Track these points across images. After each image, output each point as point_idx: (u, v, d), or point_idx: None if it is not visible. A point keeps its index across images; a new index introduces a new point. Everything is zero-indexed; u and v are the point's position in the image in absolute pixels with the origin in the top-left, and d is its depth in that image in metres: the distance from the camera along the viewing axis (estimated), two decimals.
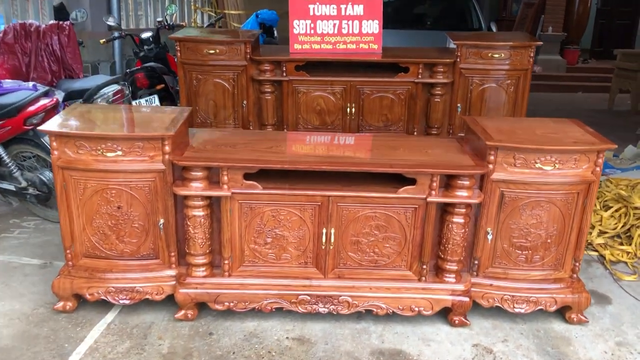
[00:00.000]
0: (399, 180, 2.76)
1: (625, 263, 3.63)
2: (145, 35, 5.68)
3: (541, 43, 4.15)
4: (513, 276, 2.94)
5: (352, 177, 2.81)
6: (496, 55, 4.12)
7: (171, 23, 5.76)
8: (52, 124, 2.72)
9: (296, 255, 2.86)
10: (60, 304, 2.92)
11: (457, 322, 2.92)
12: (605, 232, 3.85)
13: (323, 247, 2.83)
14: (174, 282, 2.90)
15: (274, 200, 2.76)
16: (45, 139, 3.55)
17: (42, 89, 3.63)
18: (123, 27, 6.87)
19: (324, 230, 2.79)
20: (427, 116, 4.29)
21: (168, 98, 5.17)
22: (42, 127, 2.68)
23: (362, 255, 2.86)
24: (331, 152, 2.90)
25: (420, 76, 4.14)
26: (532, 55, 4.13)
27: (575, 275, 2.97)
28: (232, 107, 4.31)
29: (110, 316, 2.94)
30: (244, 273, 2.89)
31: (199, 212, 2.75)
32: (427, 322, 2.96)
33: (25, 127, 3.51)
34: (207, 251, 2.84)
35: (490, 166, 2.74)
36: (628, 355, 2.78)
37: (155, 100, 4.72)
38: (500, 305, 2.93)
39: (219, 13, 8.18)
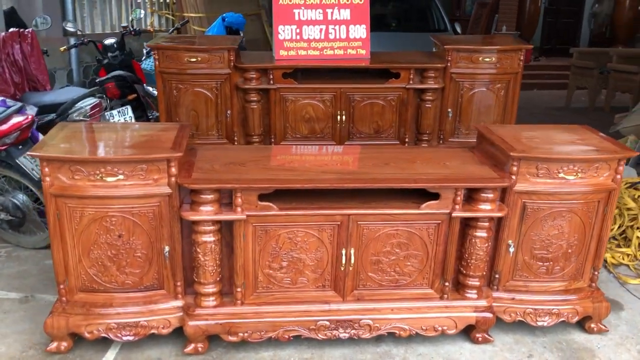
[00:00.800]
0: (418, 194, 2.64)
1: (627, 266, 3.63)
2: (109, 41, 5.36)
3: (532, 46, 4.11)
4: (534, 288, 2.86)
5: (370, 193, 2.67)
6: (487, 60, 4.05)
7: (137, 28, 5.45)
8: (42, 148, 2.45)
9: (313, 278, 2.69)
10: (54, 345, 2.64)
11: (480, 339, 2.82)
12: None
13: (342, 269, 2.67)
14: (181, 314, 2.67)
15: (291, 222, 2.57)
16: (21, 160, 3.24)
17: (13, 104, 3.31)
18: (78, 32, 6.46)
19: (344, 251, 2.63)
20: (417, 122, 4.18)
21: (139, 108, 4.88)
22: (31, 152, 2.40)
23: (383, 275, 2.72)
24: (348, 168, 2.74)
25: (411, 82, 4.03)
26: (522, 58, 4.09)
27: (594, 285, 2.93)
28: (215, 117, 4.08)
29: (110, 355, 2.68)
30: (258, 300, 2.69)
31: (210, 238, 2.53)
32: (448, 341, 2.85)
33: None
34: (218, 279, 2.63)
35: (513, 177, 2.64)
36: None
37: (129, 111, 4.44)
38: (523, 319, 2.85)
39: (177, 16, 7.85)
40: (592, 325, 2.93)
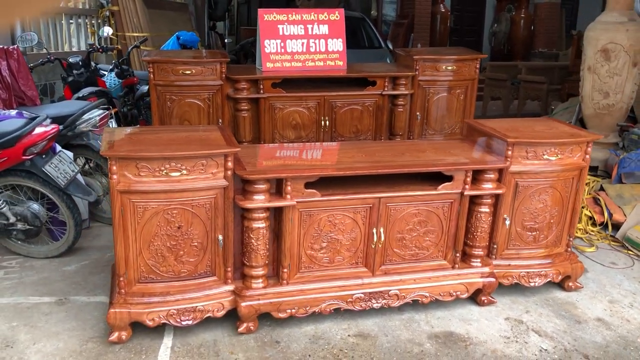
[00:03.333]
0: (430, 178, 3.08)
1: (581, 238, 4.27)
2: (74, 59, 5.42)
3: (486, 55, 4.73)
4: (524, 255, 3.38)
5: (392, 179, 3.07)
6: (449, 68, 4.62)
7: (104, 46, 5.55)
8: (110, 148, 2.64)
9: (348, 256, 3.04)
10: (115, 335, 2.79)
11: (485, 301, 3.28)
12: None
13: (373, 246, 3.04)
14: (232, 297, 2.92)
15: (331, 206, 2.92)
16: (47, 169, 3.33)
17: (29, 116, 3.40)
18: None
19: (375, 230, 3.01)
20: (390, 125, 4.65)
21: (117, 122, 5.00)
22: (103, 152, 2.59)
23: (406, 250, 3.12)
24: (374, 157, 3.10)
25: (386, 89, 4.50)
26: (477, 66, 4.70)
27: (569, 249, 3.49)
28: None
29: (167, 340, 2.88)
30: (301, 279, 3.00)
31: (262, 224, 2.82)
32: (459, 305, 3.29)
33: (24, 157, 3.26)
34: (266, 262, 2.92)
35: (509, 160, 3.15)
36: (621, 309, 3.34)
37: (113, 124, 4.56)
38: (519, 282, 3.35)
39: (118, 35, 7.91)
40: (570, 284, 3.48)
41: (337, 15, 4.58)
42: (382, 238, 3.04)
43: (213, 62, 4.22)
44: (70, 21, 7.61)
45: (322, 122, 4.45)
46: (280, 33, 4.46)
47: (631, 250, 4.07)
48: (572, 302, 3.40)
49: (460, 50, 4.93)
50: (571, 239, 3.47)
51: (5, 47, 4.20)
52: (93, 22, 7.85)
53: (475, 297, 3.30)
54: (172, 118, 4.28)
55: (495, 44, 14.14)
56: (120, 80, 5.82)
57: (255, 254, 2.86)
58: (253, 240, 2.83)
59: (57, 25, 7.26)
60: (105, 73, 5.85)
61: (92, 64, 5.62)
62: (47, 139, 3.28)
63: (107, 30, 5.77)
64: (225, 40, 12.26)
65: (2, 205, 3.38)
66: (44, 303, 3.19)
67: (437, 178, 3.06)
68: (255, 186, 2.76)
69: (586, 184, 4.80)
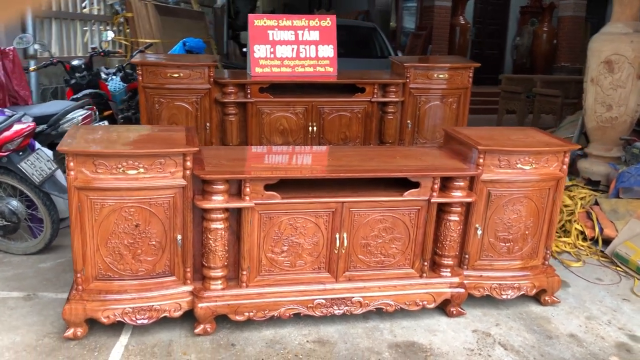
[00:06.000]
0: (399, 185, 3.02)
1: (569, 253, 4.15)
2: (77, 62, 5.54)
3: (479, 64, 4.66)
4: (497, 267, 3.29)
5: (358, 184, 3.03)
6: (441, 76, 4.56)
7: (106, 50, 5.65)
8: (66, 145, 2.67)
9: (310, 261, 3.01)
10: (70, 331, 2.80)
11: (454, 312, 3.20)
12: None
13: (336, 252, 3.00)
14: (190, 298, 2.91)
15: (292, 209, 2.89)
16: (22, 165, 3.39)
17: (11, 113, 3.47)
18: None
19: (337, 235, 2.97)
20: (380, 132, 4.61)
21: (113, 124, 5.07)
22: (60, 147, 2.62)
23: (371, 257, 3.07)
24: (339, 162, 3.08)
25: (375, 96, 4.46)
26: (471, 75, 4.63)
27: (546, 262, 3.39)
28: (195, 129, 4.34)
29: (123, 338, 2.88)
30: (261, 282, 2.97)
31: (220, 225, 2.81)
32: (426, 315, 3.22)
33: (1, 153, 3.33)
34: (225, 264, 2.90)
35: (480, 168, 3.08)
36: (598, 327, 3.21)
37: None
38: (490, 294, 3.26)
39: (132, 41, 8.05)
40: (547, 298, 3.38)
41: (328, 21, 4.57)
42: (345, 244, 2.99)
43: (201, 66, 4.25)
44: (85, 28, 7.78)
45: (310, 128, 4.43)
46: (270, 38, 4.47)
47: (619, 267, 3.93)
48: (547, 316, 3.29)
49: (454, 58, 4.87)
50: (548, 251, 3.36)
51: (1, 47, 4.30)
52: (107, 28, 8.00)
53: (445, 308, 3.23)
54: (160, 120, 4.31)
55: (517, 57, 13.97)
56: (125, 84, 5.92)
57: (213, 255, 2.84)
58: (211, 241, 2.82)
59: (72, 31, 7.43)
60: (108, 76, 5.95)
61: (97, 68, 5.73)
62: (23, 136, 3.34)
63: (110, 35, 5.88)
64: (244, 50, 12.39)
65: None
66: (12, 298, 3.23)
67: (407, 185, 3.01)
68: (214, 187, 2.75)
69: (581, 198, 4.67)
